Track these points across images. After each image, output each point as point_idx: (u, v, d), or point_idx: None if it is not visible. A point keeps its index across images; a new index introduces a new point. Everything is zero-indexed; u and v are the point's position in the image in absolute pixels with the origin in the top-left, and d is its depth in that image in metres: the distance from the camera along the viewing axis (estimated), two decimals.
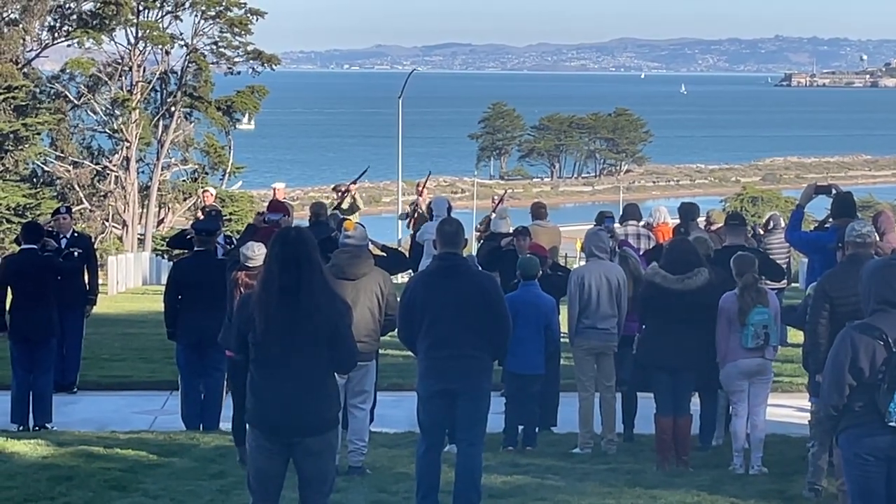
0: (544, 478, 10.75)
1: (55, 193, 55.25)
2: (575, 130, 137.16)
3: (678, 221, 16.16)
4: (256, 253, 11.01)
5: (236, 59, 60.38)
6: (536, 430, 12.33)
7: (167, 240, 35.29)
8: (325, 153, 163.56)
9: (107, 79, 57.82)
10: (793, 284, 24.77)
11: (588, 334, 12.07)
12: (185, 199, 57.81)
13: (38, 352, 13.46)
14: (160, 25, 58.79)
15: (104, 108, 58.12)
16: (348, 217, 17.33)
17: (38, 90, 56.71)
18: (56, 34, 57.07)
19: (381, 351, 11.75)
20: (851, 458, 7.25)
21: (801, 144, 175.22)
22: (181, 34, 59.79)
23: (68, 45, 58.35)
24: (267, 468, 7.61)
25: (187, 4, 58.91)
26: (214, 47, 60.42)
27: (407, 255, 17.55)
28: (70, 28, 56.62)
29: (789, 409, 13.84)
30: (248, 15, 60.06)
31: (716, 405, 12.12)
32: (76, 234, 16.00)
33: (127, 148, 57.40)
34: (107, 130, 58.28)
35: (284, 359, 7.49)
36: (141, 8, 57.89)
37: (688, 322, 11.19)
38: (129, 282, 37.84)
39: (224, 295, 13.12)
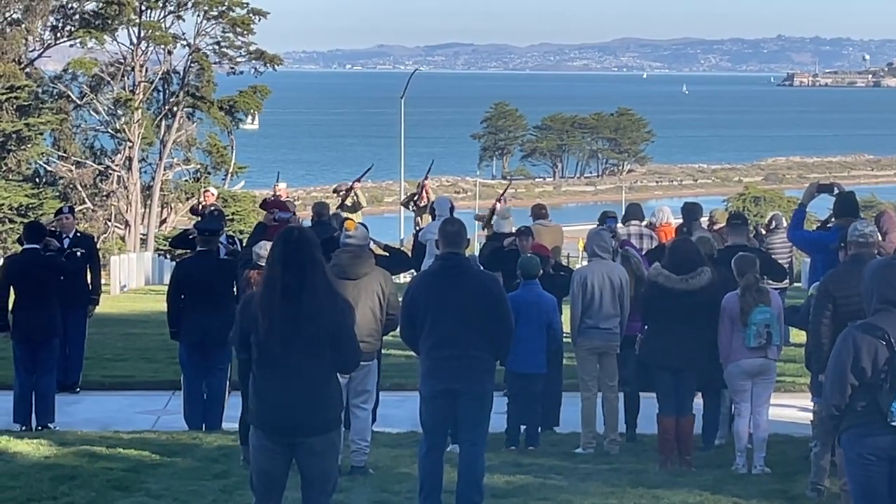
0: (547, 478, 10.75)
1: (58, 193, 55.33)
2: (577, 130, 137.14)
3: (681, 221, 16.16)
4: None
5: (239, 59, 60.48)
6: (539, 429, 12.32)
7: (170, 240, 35.31)
8: (327, 153, 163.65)
9: (109, 79, 57.88)
10: (795, 284, 24.77)
11: (591, 334, 12.07)
12: (187, 199, 57.85)
13: (41, 352, 13.46)
14: (162, 25, 58.87)
15: (107, 108, 58.19)
16: (351, 215, 17.37)
17: (40, 90, 56.81)
18: (58, 34, 57.16)
19: (383, 351, 11.74)
20: (854, 458, 7.25)
21: (803, 144, 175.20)
22: (183, 34, 59.96)
23: (71, 45, 58.44)
24: (270, 468, 7.61)
25: (190, 4, 58.98)
26: (217, 47, 60.52)
27: (409, 254, 17.55)
28: (72, 28, 56.70)
29: (792, 408, 13.84)
30: (251, 15, 60.14)
31: (718, 405, 12.12)
32: (79, 234, 16.02)
33: (129, 148, 57.46)
34: (109, 130, 58.35)
35: (287, 359, 7.49)
36: (143, 8, 57.96)
37: (690, 322, 11.19)
38: (131, 282, 37.84)
39: (227, 294, 13.16)
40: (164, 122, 59.07)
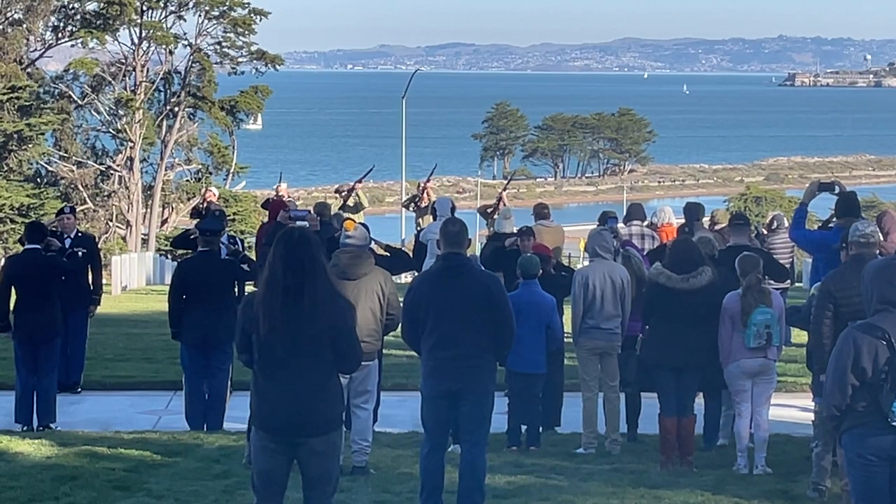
0: (548, 478, 10.75)
1: (59, 193, 55.31)
2: (578, 130, 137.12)
3: (683, 221, 16.16)
4: None
5: (240, 59, 60.47)
6: (540, 429, 12.32)
7: (171, 240, 35.33)
8: (328, 153, 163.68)
9: (110, 79, 57.88)
10: (796, 284, 24.78)
11: (592, 334, 12.07)
12: (188, 200, 57.85)
13: (43, 352, 13.47)
14: (164, 25, 58.87)
15: (108, 108, 58.19)
16: (353, 216, 17.38)
17: (41, 90, 56.80)
18: (60, 34, 57.15)
19: (384, 351, 11.75)
20: (855, 458, 7.25)
21: (804, 144, 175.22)
22: (185, 34, 59.95)
23: (72, 46, 58.45)
24: (271, 468, 7.61)
25: (191, 4, 58.98)
26: (218, 47, 60.51)
27: (410, 255, 17.54)
28: (74, 28, 56.70)
29: (793, 409, 13.84)
30: (252, 15, 60.13)
31: (719, 405, 12.12)
32: (80, 234, 16.01)
33: (131, 148, 57.46)
34: (110, 130, 58.34)
35: (288, 359, 7.49)
36: (144, 8, 57.95)
37: (691, 322, 11.19)
38: (132, 282, 37.84)
39: (228, 295, 13.17)
40: (165, 122, 59.06)
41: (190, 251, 14.84)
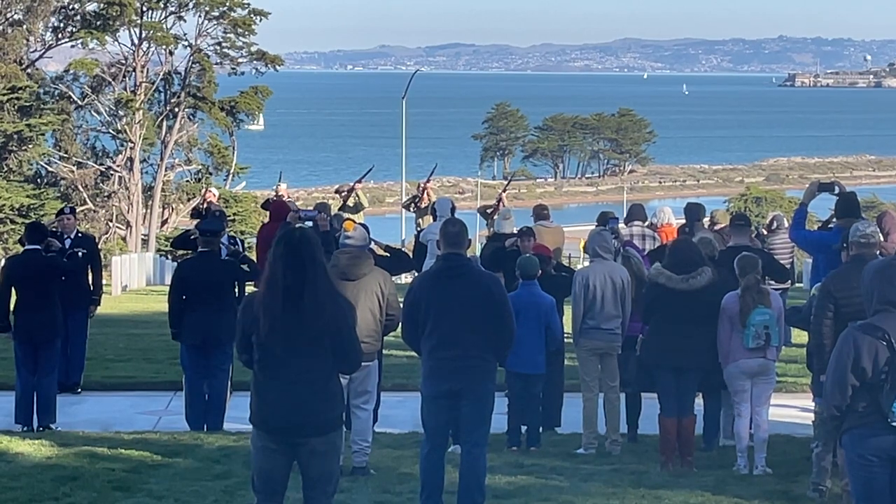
0: (548, 478, 10.75)
1: (59, 194, 55.34)
2: (578, 131, 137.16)
3: (683, 222, 16.16)
4: None
5: (240, 60, 60.50)
6: (540, 430, 12.32)
7: (171, 240, 35.31)
8: (328, 154, 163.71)
9: (110, 79, 57.91)
10: (796, 284, 24.77)
11: (592, 335, 12.07)
12: (188, 200, 57.88)
13: (43, 352, 13.46)
14: (164, 26, 58.90)
15: (108, 109, 58.21)
16: (353, 216, 17.37)
17: (41, 91, 56.82)
18: (60, 35, 57.17)
19: (384, 351, 11.75)
20: (855, 458, 7.25)
21: (804, 145, 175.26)
22: (185, 35, 60.00)
23: (72, 46, 58.45)
24: (271, 468, 7.61)
25: (191, 5, 59.00)
26: (218, 48, 60.55)
27: (410, 255, 17.54)
28: (74, 29, 56.71)
29: (793, 409, 13.84)
30: (252, 15, 60.16)
31: (719, 405, 12.12)
32: (80, 235, 16.01)
33: (131, 148, 57.48)
34: (110, 131, 58.37)
35: (288, 359, 7.49)
36: (144, 9, 57.98)
37: (691, 322, 11.19)
38: (132, 282, 37.85)
39: (229, 295, 13.17)
40: (165, 123, 59.09)
41: (190, 252, 14.83)
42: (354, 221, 12.46)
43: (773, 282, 13.96)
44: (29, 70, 56.10)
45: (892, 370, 7.06)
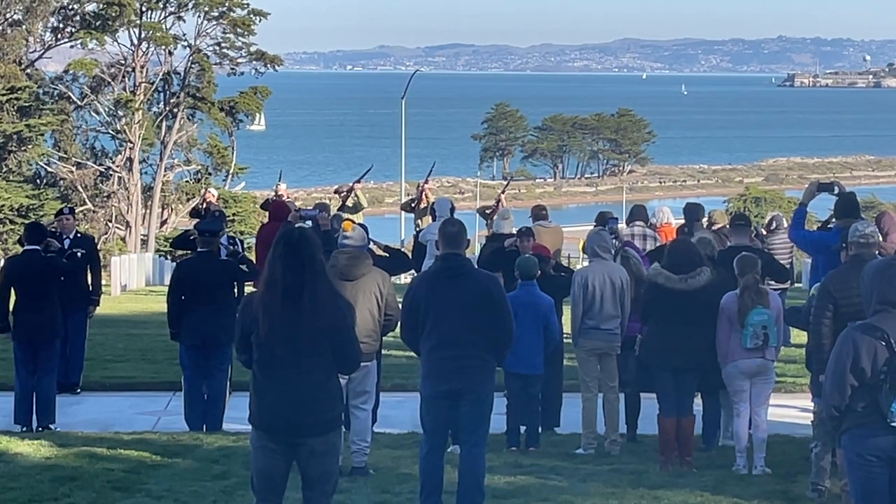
0: (547, 478, 10.75)
1: (58, 194, 55.34)
2: (578, 131, 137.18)
3: (682, 222, 16.17)
4: None
5: (239, 60, 60.51)
6: (539, 430, 12.32)
7: (171, 241, 35.33)
8: (328, 154, 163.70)
9: (110, 80, 57.91)
10: (796, 284, 24.77)
11: (591, 335, 12.07)
12: (188, 200, 57.89)
13: (42, 353, 13.46)
14: (163, 26, 58.91)
15: (107, 109, 58.22)
16: (352, 216, 17.35)
17: (41, 91, 56.82)
18: (59, 35, 57.18)
19: (383, 352, 11.74)
20: (854, 458, 7.25)
21: (804, 145, 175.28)
22: (184, 35, 60.02)
23: (71, 47, 58.45)
24: (270, 469, 7.61)
25: (190, 5, 59.01)
26: (217, 48, 60.56)
27: (410, 255, 17.54)
28: (73, 29, 56.72)
29: (792, 409, 13.84)
30: (251, 16, 60.18)
31: (718, 405, 12.11)
32: (79, 235, 16.01)
33: (130, 149, 57.49)
34: (110, 131, 58.38)
35: (287, 359, 7.49)
36: (144, 9, 57.98)
37: (690, 322, 11.19)
38: (132, 283, 37.85)
39: (228, 295, 13.17)
40: (164, 123, 59.09)
41: (189, 252, 14.83)
42: (353, 221, 12.45)
43: (772, 282, 13.96)
44: (28, 70, 56.11)
45: (892, 370, 7.06)
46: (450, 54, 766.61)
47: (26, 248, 13.70)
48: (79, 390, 15.57)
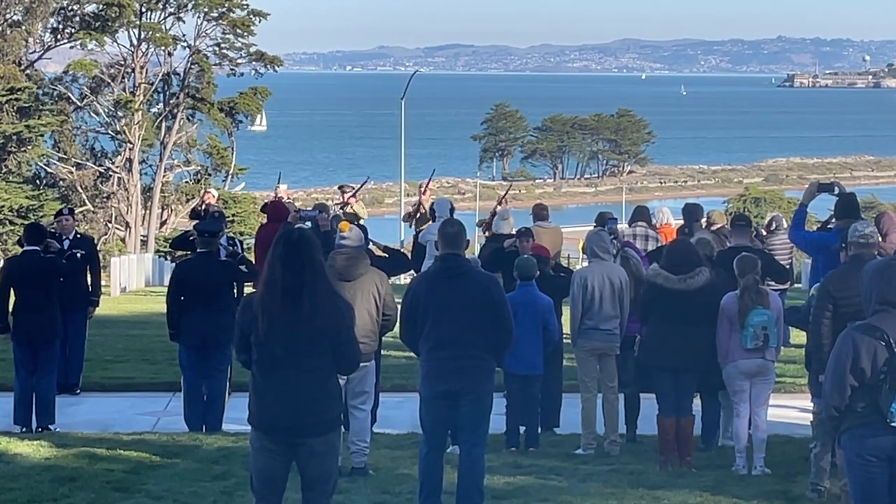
0: (547, 479, 10.75)
1: (58, 195, 55.34)
2: (577, 131, 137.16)
3: (682, 222, 16.17)
4: None
5: (239, 61, 60.49)
6: (539, 430, 12.32)
7: (170, 241, 35.32)
8: (328, 154, 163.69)
9: (109, 80, 57.91)
10: (796, 285, 24.77)
11: (591, 335, 12.07)
12: (187, 201, 57.89)
13: (42, 353, 13.46)
14: (163, 27, 58.90)
15: (107, 110, 58.22)
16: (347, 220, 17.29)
17: (40, 92, 56.82)
18: (59, 36, 57.17)
19: (383, 352, 11.74)
20: (854, 458, 7.25)
21: (803, 145, 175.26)
22: (184, 36, 60.01)
23: (71, 47, 58.45)
24: (270, 469, 7.61)
25: (190, 6, 59.00)
26: (217, 49, 60.54)
27: (409, 256, 17.54)
28: (73, 30, 56.71)
29: (792, 409, 13.84)
30: (251, 16, 60.16)
31: (718, 406, 12.12)
32: (79, 236, 16.00)
33: (130, 149, 57.48)
34: (109, 132, 58.37)
35: (287, 360, 7.49)
36: (143, 10, 57.97)
37: (689, 322, 11.19)
38: (131, 283, 37.85)
39: (227, 296, 13.16)
40: (164, 124, 59.09)
41: (189, 252, 14.83)
42: (351, 222, 12.44)
43: (772, 282, 13.96)
44: (28, 71, 56.10)
45: (891, 370, 7.06)
46: (449, 55, 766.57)
47: (26, 248, 13.69)
48: (78, 391, 15.57)
